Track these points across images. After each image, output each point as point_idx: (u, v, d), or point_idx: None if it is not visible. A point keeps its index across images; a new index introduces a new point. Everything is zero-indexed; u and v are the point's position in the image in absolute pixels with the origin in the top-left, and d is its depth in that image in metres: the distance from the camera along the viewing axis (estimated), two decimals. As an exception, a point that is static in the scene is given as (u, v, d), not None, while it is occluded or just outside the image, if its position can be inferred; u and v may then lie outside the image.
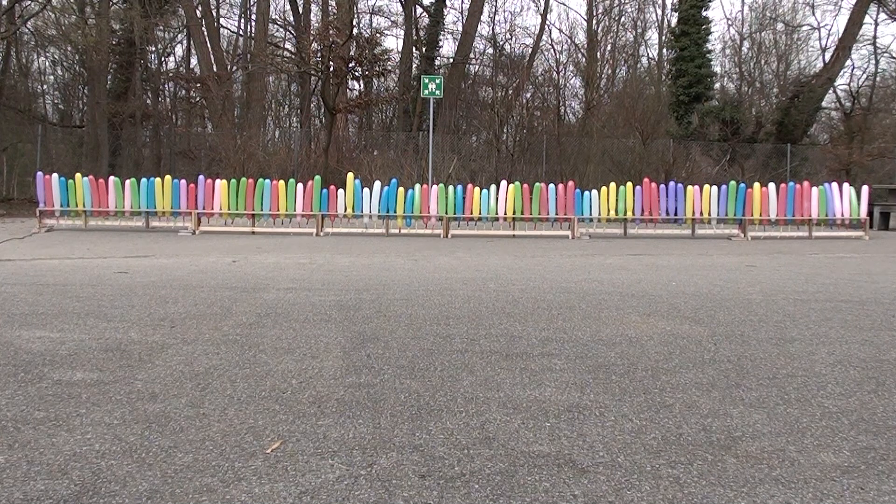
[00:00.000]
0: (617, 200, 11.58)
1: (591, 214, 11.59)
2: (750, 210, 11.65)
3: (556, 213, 11.50)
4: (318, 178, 11.64)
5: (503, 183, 11.76)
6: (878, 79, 23.81)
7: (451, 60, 24.04)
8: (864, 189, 12.09)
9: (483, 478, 1.86)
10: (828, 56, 23.48)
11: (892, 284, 5.75)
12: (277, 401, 2.47)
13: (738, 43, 26.19)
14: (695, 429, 2.25)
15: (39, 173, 11.70)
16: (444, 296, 4.77)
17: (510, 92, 21.84)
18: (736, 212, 11.68)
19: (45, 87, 25.51)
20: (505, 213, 11.36)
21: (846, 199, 11.83)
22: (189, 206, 11.29)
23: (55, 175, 11.38)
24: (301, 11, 24.34)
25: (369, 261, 7.22)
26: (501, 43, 25.60)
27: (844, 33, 21.95)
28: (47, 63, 24.59)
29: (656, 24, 27.94)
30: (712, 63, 21.96)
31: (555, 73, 24.35)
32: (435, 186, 11.55)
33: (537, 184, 11.68)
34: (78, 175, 11.49)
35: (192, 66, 24.45)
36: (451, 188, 11.52)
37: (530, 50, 24.94)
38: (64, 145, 21.58)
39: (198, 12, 21.51)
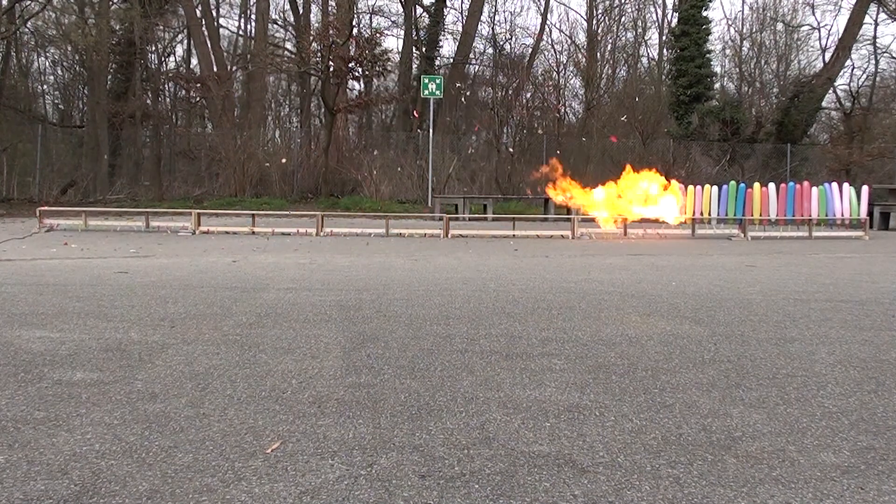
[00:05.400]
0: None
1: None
2: (750, 210, 11.67)
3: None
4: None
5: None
6: (878, 79, 23.83)
7: (451, 60, 24.04)
8: (864, 189, 12.10)
9: (483, 478, 1.86)
10: (828, 56, 23.49)
11: (892, 284, 5.75)
12: (277, 401, 2.47)
13: (738, 43, 26.20)
14: (695, 429, 2.25)
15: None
16: (444, 296, 4.77)
17: (510, 92, 21.84)
18: (736, 212, 11.71)
19: (45, 87, 25.53)
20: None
21: (846, 200, 11.84)
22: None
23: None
24: (301, 11, 24.35)
25: (369, 261, 7.22)
26: (501, 43, 25.62)
27: (844, 33, 21.95)
28: (47, 63, 24.60)
29: (656, 24, 27.96)
30: (712, 63, 21.96)
31: (555, 73, 24.36)
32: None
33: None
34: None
35: (192, 66, 24.45)
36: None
37: (530, 50, 24.96)
38: (64, 145, 21.56)
39: (198, 12, 21.51)
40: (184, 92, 23.46)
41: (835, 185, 12.16)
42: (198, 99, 22.61)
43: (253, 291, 4.90)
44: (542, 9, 25.96)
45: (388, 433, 2.17)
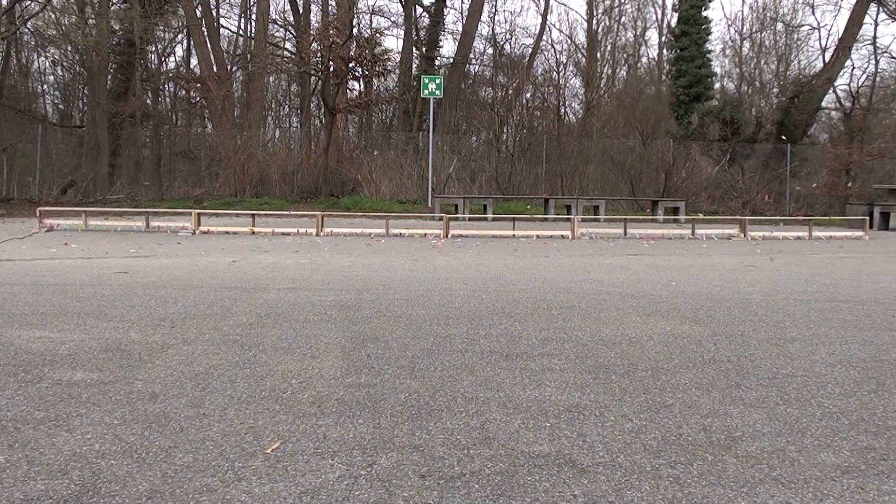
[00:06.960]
0: None
1: None
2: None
3: None
4: None
5: None
6: (878, 79, 23.81)
7: (452, 60, 24.05)
8: None
9: (483, 478, 1.86)
10: (828, 56, 23.49)
11: (892, 284, 5.75)
12: (277, 401, 2.47)
13: (738, 43, 26.22)
14: (695, 429, 2.25)
15: None
16: (444, 296, 4.77)
17: (510, 92, 21.84)
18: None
19: (45, 87, 25.52)
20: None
21: None
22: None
23: None
24: (301, 11, 24.34)
25: (369, 261, 7.22)
26: (501, 43, 25.63)
27: (844, 33, 21.95)
28: (47, 63, 24.58)
29: (656, 24, 27.99)
30: (712, 63, 21.97)
31: (555, 73, 24.36)
32: None
33: None
34: None
35: (192, 66, 24.44)
36: None
37: (530, 50, 24.97)
38: (64, 145, 21.56)
39: (198, 12, 21.49)
40: (184, 92, 23.45)
41: None
42: (198, 99, 22.59)
43: (253, 291, 4.90)
44: (542, 9, 26.05)
45: (388, 433, 2.17)
